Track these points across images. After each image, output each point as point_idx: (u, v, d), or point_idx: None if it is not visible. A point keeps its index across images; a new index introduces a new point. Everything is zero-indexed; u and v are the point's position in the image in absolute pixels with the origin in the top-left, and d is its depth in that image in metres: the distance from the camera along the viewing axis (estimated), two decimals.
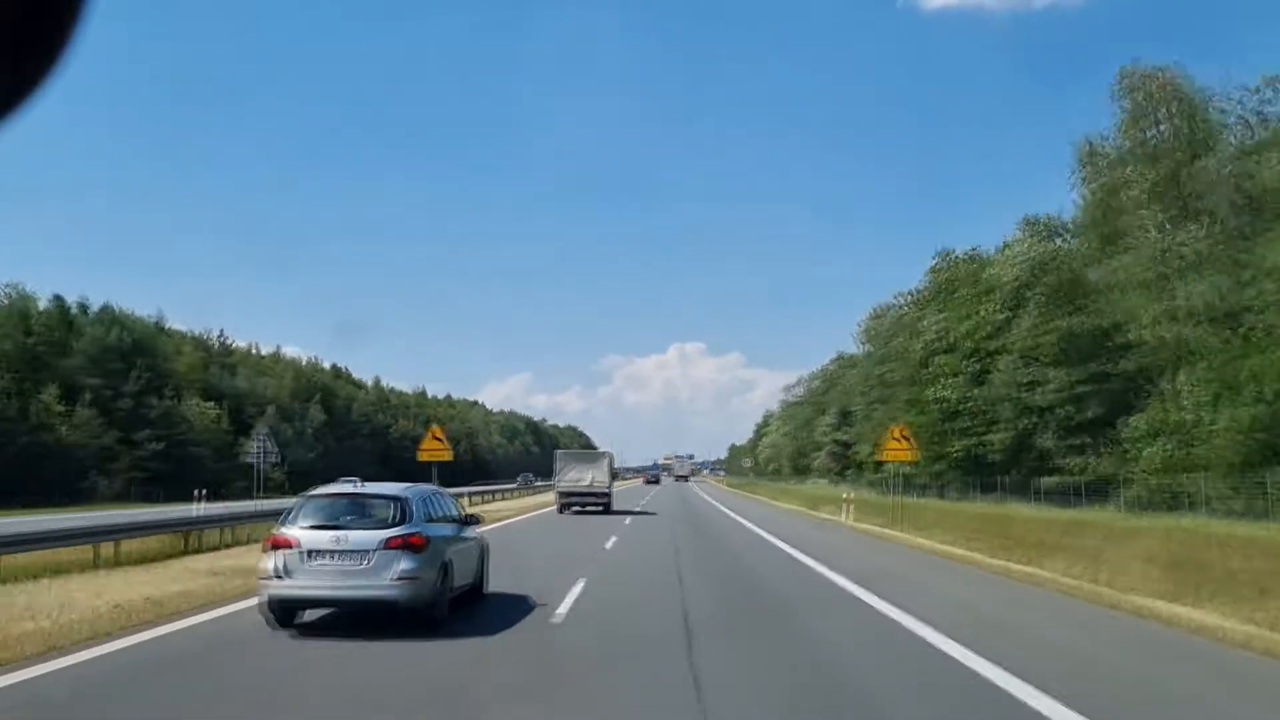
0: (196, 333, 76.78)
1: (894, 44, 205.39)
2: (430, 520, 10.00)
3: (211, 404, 67.84)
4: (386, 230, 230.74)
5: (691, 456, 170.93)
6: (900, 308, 60.96)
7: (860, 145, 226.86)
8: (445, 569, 9.80)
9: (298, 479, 61.62)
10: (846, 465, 71.39)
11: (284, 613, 9.35)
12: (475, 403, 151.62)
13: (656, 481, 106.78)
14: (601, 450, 42.05)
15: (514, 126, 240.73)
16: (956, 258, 52.24)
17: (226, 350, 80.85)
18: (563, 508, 36.60)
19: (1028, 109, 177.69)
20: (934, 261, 53.86)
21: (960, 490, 46.74)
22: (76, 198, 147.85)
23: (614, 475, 40.73)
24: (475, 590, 11.50)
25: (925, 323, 50.98)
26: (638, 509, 41.46)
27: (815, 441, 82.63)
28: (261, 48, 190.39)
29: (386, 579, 9.06)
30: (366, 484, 10.61)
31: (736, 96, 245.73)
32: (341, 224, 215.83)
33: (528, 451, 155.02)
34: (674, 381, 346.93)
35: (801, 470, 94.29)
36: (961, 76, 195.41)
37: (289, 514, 9.76)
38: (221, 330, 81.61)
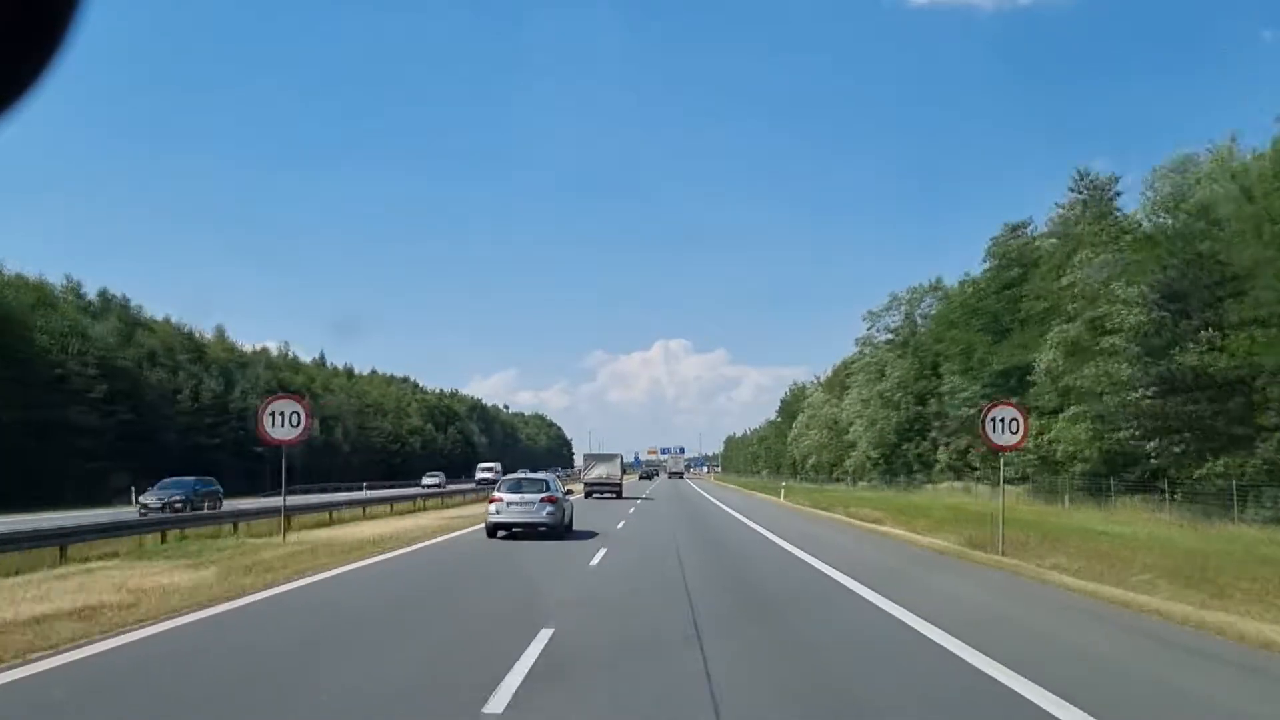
0: None
1: (884, 39, 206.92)
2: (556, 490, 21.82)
3: None
4: (376, 227, 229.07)
5: (683, 450, 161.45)
6: None
7: (852, 143, 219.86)
8: (564, 512, 21.66)
9: None
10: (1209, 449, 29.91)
11: (494, 530, 21.17)
12: (404, 379, 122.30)
13: (650, 478, 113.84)
14: (614, 453, 58.04)
15: (505, 123, 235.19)
16: None
17: None
18: (588, 494, 50.88)
19: (1020, 106, 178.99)
20: None
21: None
22: (71, 190, 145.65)
23: (624, 470, 58.86)
24: (569, 527, 23.15)
25: None
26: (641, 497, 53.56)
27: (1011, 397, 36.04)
28: (256, 42, 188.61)
29: (543, 515, 20.85)
30: (527, 473, 22.52)
31: (728, 95, 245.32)
32: (333, 220, 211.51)
33: (467, 443, 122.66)
34: (659, 378, 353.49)
35: (899, 469, 59.08)
36: (950, 72, 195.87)
37: (497, 486, 21.69)
38: None
